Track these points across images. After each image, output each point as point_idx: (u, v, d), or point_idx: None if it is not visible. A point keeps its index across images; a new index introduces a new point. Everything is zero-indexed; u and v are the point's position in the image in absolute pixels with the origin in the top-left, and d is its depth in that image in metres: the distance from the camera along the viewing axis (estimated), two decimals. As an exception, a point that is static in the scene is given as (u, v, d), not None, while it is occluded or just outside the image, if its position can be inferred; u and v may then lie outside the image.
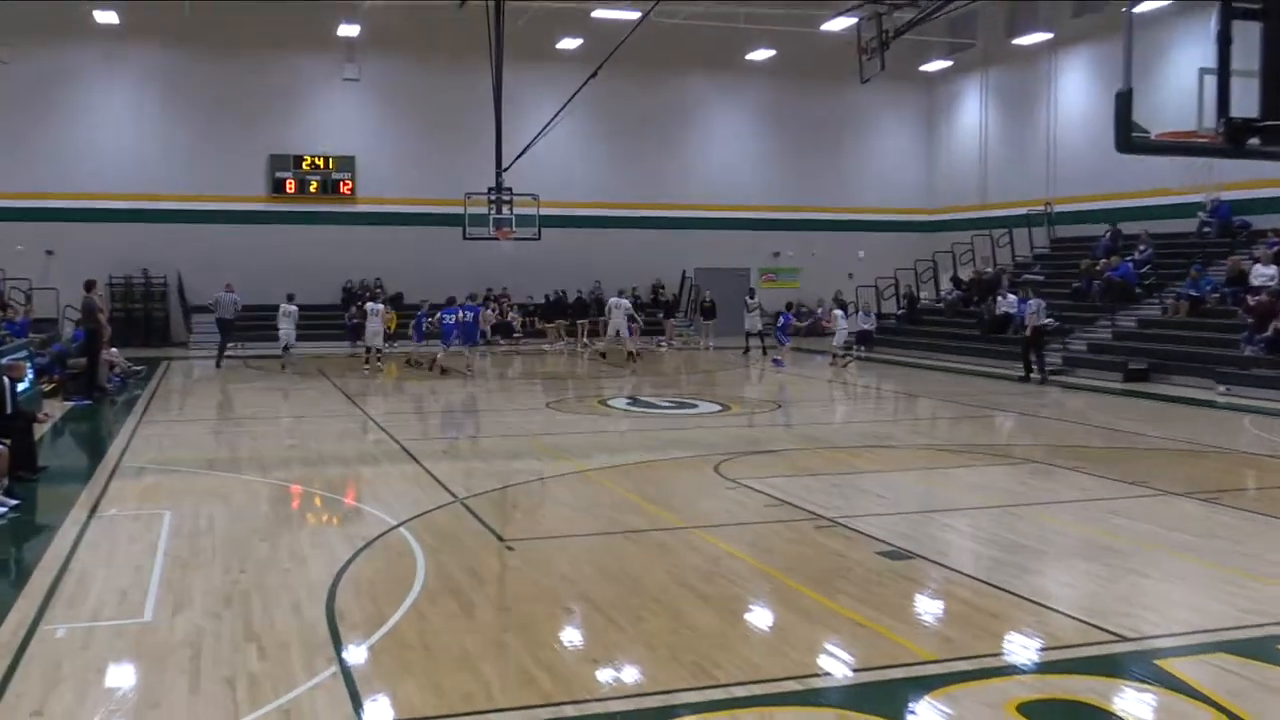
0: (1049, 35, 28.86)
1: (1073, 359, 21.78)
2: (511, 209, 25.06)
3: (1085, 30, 27.74)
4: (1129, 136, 8.41)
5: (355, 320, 25.15)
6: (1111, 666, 5.74)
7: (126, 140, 28.51)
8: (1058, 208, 29.28)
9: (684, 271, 32.76)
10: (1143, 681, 5.50)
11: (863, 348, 25.99)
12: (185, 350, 27.17)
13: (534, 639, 6.09)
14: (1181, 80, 8.86)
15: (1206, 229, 23.99)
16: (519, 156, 23.56)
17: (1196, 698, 5.27)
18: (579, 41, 29.16)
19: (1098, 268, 24.37)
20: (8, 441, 9.70)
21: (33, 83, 27.44)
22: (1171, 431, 14.40)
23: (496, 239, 25.31)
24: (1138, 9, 21.78)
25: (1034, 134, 30.32)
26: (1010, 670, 5.70)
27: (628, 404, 17.32)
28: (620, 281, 30.28)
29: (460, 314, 21.75)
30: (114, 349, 19.24)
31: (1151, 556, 7.99)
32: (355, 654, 5.87)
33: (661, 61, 30.38)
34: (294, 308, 22.86)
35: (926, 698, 5.29)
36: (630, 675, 5.63)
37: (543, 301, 31.03)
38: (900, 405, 18.89)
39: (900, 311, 29.54)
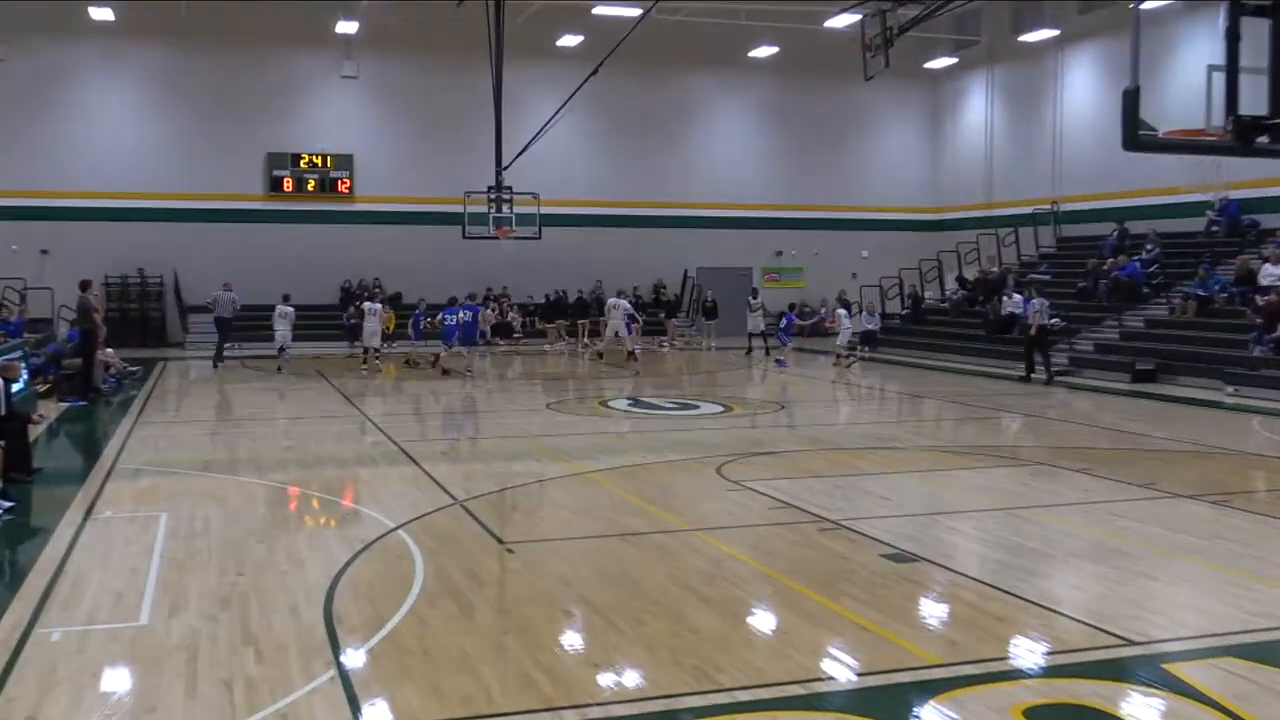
0: (1055, 32, 28.76)
1: (1079, 359, 21.69)
2: (511, 208, 24.94)
3: (1092, 27, 27.63)
4: (1136, 134, 8.37)
5: (353, 320, 25.11)
6: (1118, 670, 5.71)
7: (122, 138, 28.39)
8: (1064, 206, 29.19)
9: (686, 271, 32.68)
10: (1149, 686, 5.47)
11: (867, 348, 25.92)
12: (182, 351, 27.10)
13: (534, 642, 6.05)
14: (1189, 77, 8.79)
15: (1215, 228, 23.86)
16: (519, 155, 23.47)
17: (1204, 702, 5.23)
18: (579, 38, 29.08)
19: (1104, 267, 24.25)
20: (2, 443, 9.65)
21: (28, 80, 27.34)
22: (1179, 433, 14.35)
23: (496, 238, 25.18)
24: (1145, 5, 21.73)
25: (1040, 132, 30.22)
26: (1016, 674, 5.67)
27: (629, 405, 17.26)
28: (621, 281, 30.21)
29: (460, 314, 21.66)
30: (109, 349, 19.14)
31: (1158, 559, 7.95)
32: (354, 657, 5.83)
33: (663, 59, 30.28)
34: (290, 309, 22.80)
35: (931, 702, 5.25)
36: (632, 679, 5.60)
37: (543, 301, 30.91)
38: (905, 406, 18.83)
39: (904, 311, 29.44)
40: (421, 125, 30.11)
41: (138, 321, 28.27)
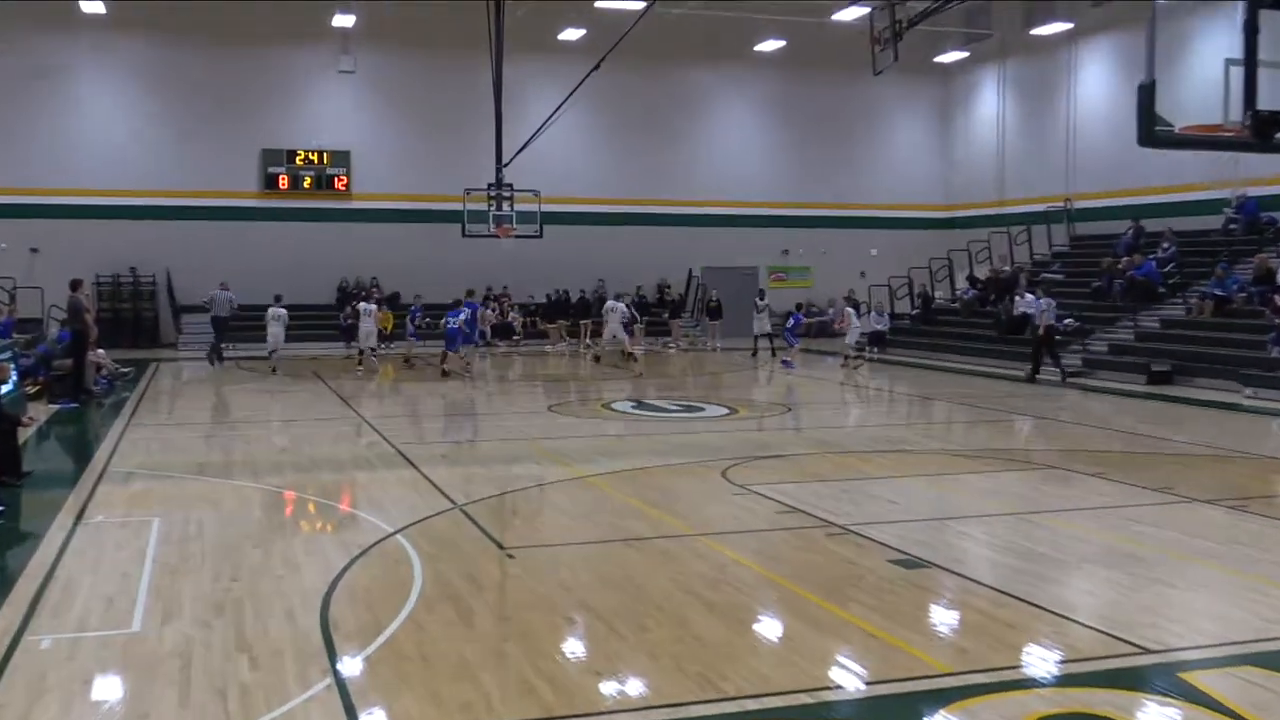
0: (1069, 25, 28.56)
1: (1093, 360, 21.52)
2: (512, 205, 24.85)
3: (1106, 20, 27.31)
4: (1152, 130, 8.25)
5: (350, 321, 25.02)
6: (1133, 679, 5.65)
7: (114, 134, 28.13)
8: (1078, 204, 29.00)
9: (690, 270, 32.54)
10: (1165, 695, 5.40)
11: (875, 349, 25.79)
12: (174, 351, 26.99)
13: (534, 649, 6.00)
14: (1207, 72, 8.67)
15: (1232, 226, 23.65)
16: (520, 151, 23.39)
17: (1221, 711, 5.16)
18: (581, 32, 28.92)
19: (1119, 266, 24.05)
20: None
21: (17, 75, 27.12)
22: (1195, 436, 14.25)
23: (496, 236, 25.09)
24: (1162, -3, 21.51)
25: (1053, 127, 30.00)
26: (1029, 683, 5.59)
27: (632, 407, 17.17)
28: (624, 280, 29.95)
29: (462, 316, 21.50)
30: (101, 350, 19.04)
31: (1174, 565, 7.87)
32: (350, 664, 5.78)
33: (667, 53, 30.05)
34: (282, 310, 22.71)
35: (942, 711, 5.20)
36: (634, 687, 5.54)
37: (544, 301, 30.80)
38: (914, 408, 18.73)
39: (914, 311, 29.24)
40: (420, 121, 29.91)
41: (130, 322, 28.09)
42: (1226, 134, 8.33)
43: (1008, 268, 27.97)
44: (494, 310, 28.26)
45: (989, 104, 32.71)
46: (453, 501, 9.85)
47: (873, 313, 26.38)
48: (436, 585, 7.17)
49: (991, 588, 7.15)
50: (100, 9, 26.42)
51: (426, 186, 29.26)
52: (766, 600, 7.04)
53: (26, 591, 7.04)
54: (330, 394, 18.86)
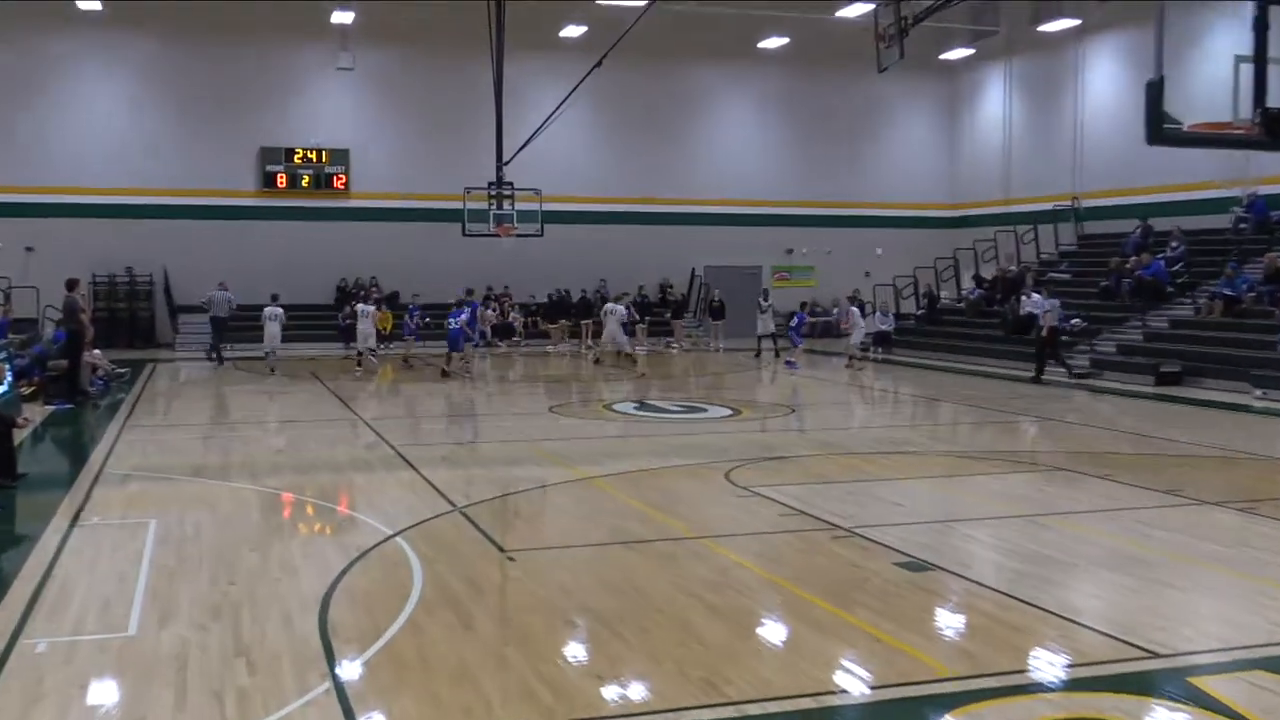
0: (1076, 22, 28.47)
1: (1101, 361, 21.44)
2: (513, 204, 24.80)
3: (1114, 17, 27.18)
4: (1160, 128, 8.23)
5: (348, 321, 25.01)
6: (1142, 684, 5.59)
7: (111, 132, 28.07)
8: (1085, 202, 28.92)
9: (693, 269, 32.48)
10: (1175, 700, 5.34)
11: (880, 349, 25.71)
12: (171, 352, 26.94)
13: (535, 652, 5.97)
14: (1216, 69, 8.61)
15: (1242, 225, 23.55)
16: (520, 150, 23.36)
17: (1231, 717, 5.11)
18: (583, 29, 28.88)
19: (1127, 265, 23.96)
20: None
21: (12, 72, 27.13)
22: (1204, 437, 14.15)
23: (497, 236, 25.04)
24: (1170, -6, 21.44)
25: (1060, 125, 29.91)
26: (1035, 688, 5.54)
27: (634, 408, 17.13)
28: (626, 280, 29.85)
29: (462, 317, 21.46)
30: (97, 350, 19.06)
31: (1183, 568, 7.81)
32: (349, 668, 5.74)
33: (669, 50, 29.98)
34: (279, 309, 22.67)
35: (947, 716, 5.16)
36: (636, 691, 5.50)
37: (545, 301, 30.73)
38: (919, 409, 18.67)
39: (920, 311, 29.19)
40: (420, 119, 29.85)
41: (126, 321, 28.00)
42: (1236, 131, 8.30)
43: (1014, 267, 27.87)
44: (494, 310, 28.23)
45: (995, 102, 32.61)
46: (453, 504, 9.81)
47: (877, 313, 26.31)
48: (436, 588, 7.13)
49: (997, 591, 7.10)
50: (97, 6, 26.38)
51: (426, 185, 29.22)
52: (770, 603, 7.00)
53: (22, 594, 7.00)
54: (329, 395, 18.82)
